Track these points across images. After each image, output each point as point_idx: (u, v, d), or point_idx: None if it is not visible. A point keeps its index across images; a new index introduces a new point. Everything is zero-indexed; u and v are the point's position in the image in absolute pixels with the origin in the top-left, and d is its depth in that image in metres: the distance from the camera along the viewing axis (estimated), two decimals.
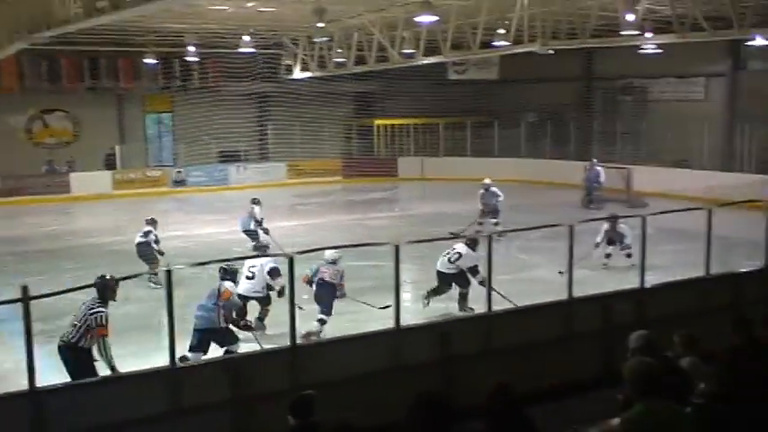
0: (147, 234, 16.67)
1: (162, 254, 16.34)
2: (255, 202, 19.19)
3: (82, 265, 17.21)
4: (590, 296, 11.18)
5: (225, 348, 10.99)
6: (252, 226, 18.77)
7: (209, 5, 22.08)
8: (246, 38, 26.08)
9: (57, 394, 7.78)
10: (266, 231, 18.53)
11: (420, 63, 26.21)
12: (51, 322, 12.04)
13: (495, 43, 23.28)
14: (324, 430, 5.54)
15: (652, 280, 11.69)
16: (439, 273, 14.06)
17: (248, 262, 13.25)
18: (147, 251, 16.38)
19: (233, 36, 27.49)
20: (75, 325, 9.35)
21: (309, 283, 12.74)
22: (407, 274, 13.86)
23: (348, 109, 36.92)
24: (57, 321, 12.64)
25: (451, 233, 16.38)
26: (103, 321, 9.28)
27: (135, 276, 9.24)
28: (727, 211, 12.97)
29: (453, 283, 13.96)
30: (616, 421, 5.23)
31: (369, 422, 5.84)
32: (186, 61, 30.46)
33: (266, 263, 12.83)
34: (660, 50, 27.43)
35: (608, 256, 17.25)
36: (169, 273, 8.22)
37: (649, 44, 24.91)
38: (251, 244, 17.92)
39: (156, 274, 14.78)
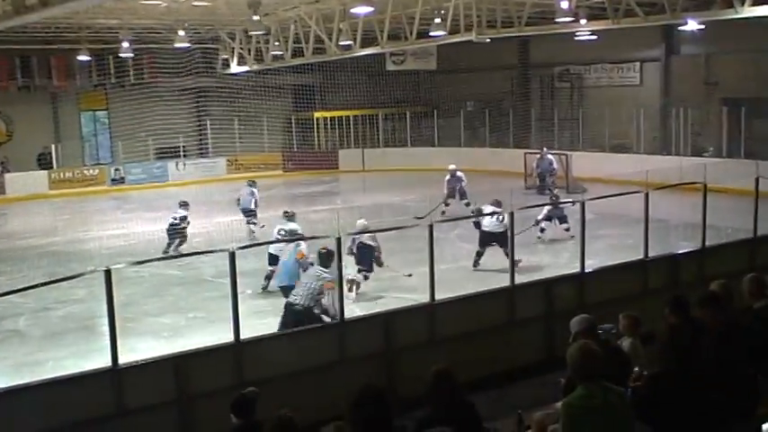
0: (177, 215, 18.39)
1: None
2: (252, 183, 20.77)
3: (18, 268, 16.83)
4: (532, 282, 11.31)
5: None
6: (253, 206, 20.10)
7: (141, 0, 21.77)
8: (181, 32, 25.72)
9: None
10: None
11: (358, 54, 26.18)
12: None
13: (432, 33, 23.29)
14: (266, 428, 5.51)
15: (592, 264, 11.87)
16: (486, 233, 15.58)
17: (277, 227, 15.28)
18: (176, 231, 17.97)
19: (168, 31, 27.14)
20: (305, 295, 10.65)
21: (350, 252, 14.01)
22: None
23: (287, 102, 36.60)
24: None
25: (417, 218, 16.91)
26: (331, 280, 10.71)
27: (74, 277, 9.06)
28: (664, 194, 13.19)
29: (495, 243, 15.23)
30: (559, 405, 5.29)
31: (314, 417, 5.83)
32: (121, 57, 29.87)
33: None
34: (595, 37, 27.81)
35: (542, 230, 18.12)
36: (108, 273, 8.09)
37: (584, 31, 25.20)
38: (248, 225, 19.46)
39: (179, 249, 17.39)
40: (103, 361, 8.24)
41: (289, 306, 10.74)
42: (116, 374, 8.12)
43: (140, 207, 26.12)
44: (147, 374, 8.39)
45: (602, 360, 5.14)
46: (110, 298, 8.07)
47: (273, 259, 14.17)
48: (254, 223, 19.35)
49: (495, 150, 32.31)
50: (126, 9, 22.84)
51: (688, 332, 6.03)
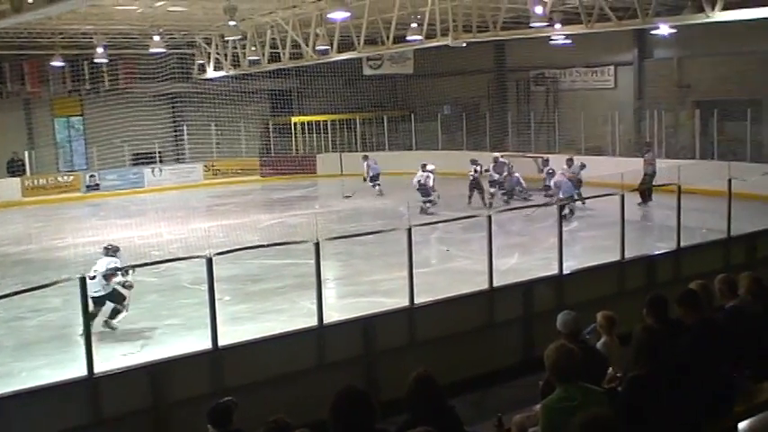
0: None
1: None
2: (425, 166, 23.99)
3: None
4: (510, 284, 11.31)
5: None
6: (423, 181, 23.53)
7: (116, 5, 21.63)
8: (157, 38, 25.58)
9: None
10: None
11: (334, 59, 26.17)
12: None
13: (409, 38, 23.34)
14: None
15: (570, 266, 11.90)
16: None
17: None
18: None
19: (143, 36, 26.98)
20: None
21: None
22: (329, 271, 13.84)
23: (264, 107, 36.55)
24: None
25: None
26: None
27: (49, 285, 8.97)
28: (639, 195, 13.26)
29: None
30: (539, 407, 5.29)
31: (295, 422, 5.78)
32: (96, 63, 29.66)
33: None
34: (569, 41, 27.93)
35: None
36: (83, 280, 8.03)
37: (558, 35, 25.30)
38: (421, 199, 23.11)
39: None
40: (79, 370, 8.16)
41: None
42: (92, 383, 8.04)
43: (116, 214, 25.96)
44: (123, 383, 8.31)
45: (580, 360, 5.15)
46: (85, 306, 8.01)
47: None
48: (430, 201, 23.02)
49: (472, 153, 32.31)
50: (100, 14, 22.67)
51: (665, 332, 6.04)
